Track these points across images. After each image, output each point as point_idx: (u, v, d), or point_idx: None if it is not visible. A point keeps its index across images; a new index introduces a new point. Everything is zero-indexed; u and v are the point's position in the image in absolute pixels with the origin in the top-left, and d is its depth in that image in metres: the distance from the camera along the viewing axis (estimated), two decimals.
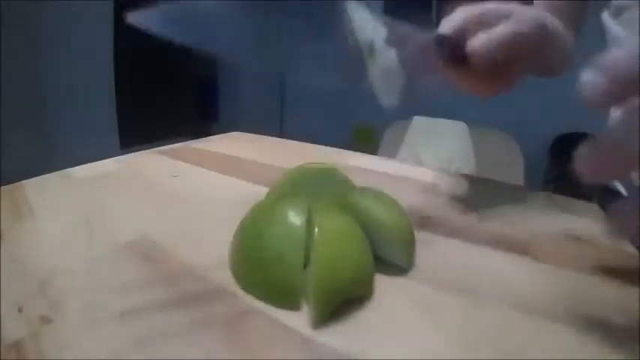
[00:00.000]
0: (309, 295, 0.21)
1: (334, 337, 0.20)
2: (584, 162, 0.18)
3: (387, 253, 0.25)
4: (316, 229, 0.22)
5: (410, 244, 0.26)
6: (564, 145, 1.95)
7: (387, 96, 0.32)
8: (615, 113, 0.18)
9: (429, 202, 0.37)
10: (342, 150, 0.56)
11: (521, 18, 0.29)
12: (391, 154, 1.30)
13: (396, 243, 0.25)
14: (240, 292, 0.23)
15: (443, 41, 0.30)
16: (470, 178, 0.44)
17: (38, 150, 1.62)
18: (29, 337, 0.19)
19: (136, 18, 0.27)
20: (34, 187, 0.39)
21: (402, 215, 0.26)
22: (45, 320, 0.20)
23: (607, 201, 0.36)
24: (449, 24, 0.30)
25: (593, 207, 0.37)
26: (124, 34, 2.03)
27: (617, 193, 0.27)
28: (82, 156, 0.51)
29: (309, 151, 0.56)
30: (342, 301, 0.21)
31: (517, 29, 0.28)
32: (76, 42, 1.79)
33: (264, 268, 0.22)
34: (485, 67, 0.29)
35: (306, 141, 0.60)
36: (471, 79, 0.31)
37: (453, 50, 0.30)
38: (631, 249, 0.29)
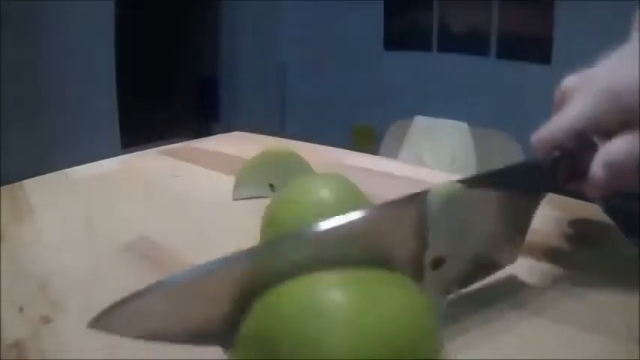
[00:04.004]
0: None
1: None
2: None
3: None
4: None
5: None
6: None
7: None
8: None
9: None
10: (342, 150, 0.56)
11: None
12: (392, 154, 1.30)
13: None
14: None
15: (558, 164, 0.25)
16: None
17: (38, 150, 1.63)
18: (30, 337, 0.19)
19: None
20: (33, 187, 0.39)
21: (355, 195, 0.24)
22: (45, 320, 0.20)
23: (608, 201, 0.36)
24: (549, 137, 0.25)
25: (594, 207, 0.37)
26: (125, 35, 2.03)
27: (619, 194, 0.27)
28: (82, 156, 0.51)
29: (310, 151, 0.56)
30: None
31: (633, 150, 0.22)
32: (77, 42, 1.79)
33: None
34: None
35: (307, 141, 0.59)
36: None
37: (571, 169, 0.25)
38: (631, 249, 0.29)
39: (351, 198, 0.23)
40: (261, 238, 0.23)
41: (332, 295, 0.14)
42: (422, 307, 0.15)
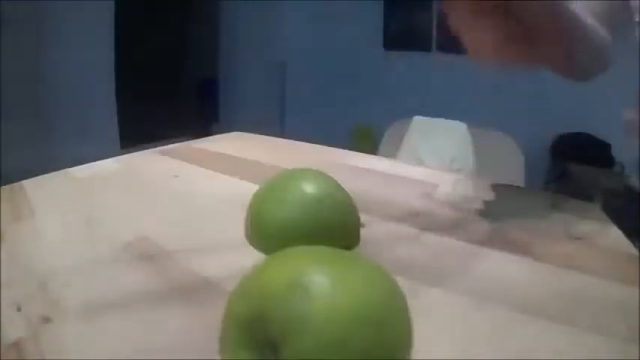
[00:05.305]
0: None
1: None
2: None
3: None
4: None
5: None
6: (565, 145, 1.95)
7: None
8: None
9: (430, 203, 0.37)
10: (342, 150, 0.56)
11: None
12: (391, 154, 1.30)
13: None
14: None
15: None
16: (470, 179, 0.44)
17: (38, 150, 1.62)
18: (29, 337, 0.19)
19: None
20: (34, 187, 0.39)
21: (335, 188, 0.25)
22: (45, 320, 0.20)
23: (608, 202, 0.36)
24: None
25: (594, 207, 0.37)
26: (125, 35, 2.03)
27: (619, 194, 0.27)
28: (82, 156, 0.51)
29: (309, 151, 0.56)
30: None
31: None
32: (77, 42, 1.79)
33: None
34: None
35: (306, 141, 0.59)
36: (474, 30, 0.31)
37: None
38: (631, 249, 0.29)
39: (330, 191, 0.24)
40: (246, 227, 0.25)
41: (318, 272, 0.15)
42: (398, 288, 0.17)
